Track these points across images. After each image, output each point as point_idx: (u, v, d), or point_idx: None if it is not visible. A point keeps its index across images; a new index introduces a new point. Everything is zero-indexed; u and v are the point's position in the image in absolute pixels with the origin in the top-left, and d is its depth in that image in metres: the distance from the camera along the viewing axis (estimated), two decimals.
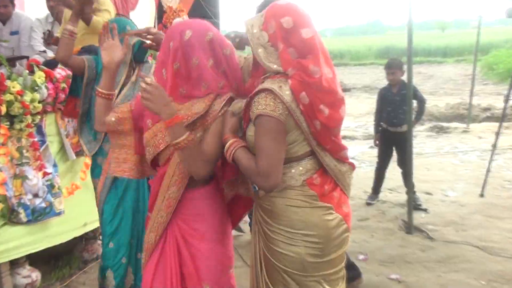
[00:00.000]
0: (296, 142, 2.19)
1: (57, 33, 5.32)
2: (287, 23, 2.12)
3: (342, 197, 2.34)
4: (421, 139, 10.32)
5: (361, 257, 4.68)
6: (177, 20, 5.74)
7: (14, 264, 4.17)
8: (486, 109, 13.07)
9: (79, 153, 4.39)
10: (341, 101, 2.22)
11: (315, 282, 2.27)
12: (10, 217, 3.91)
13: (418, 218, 5.65)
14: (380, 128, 6.26)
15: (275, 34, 2.15)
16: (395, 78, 6.06)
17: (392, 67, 6.10)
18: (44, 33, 5.31)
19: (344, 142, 2.35)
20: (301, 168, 2.22)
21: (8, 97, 3.76)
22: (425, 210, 5.99)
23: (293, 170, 2.23)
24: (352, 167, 2.39)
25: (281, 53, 2.14)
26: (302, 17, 2.17)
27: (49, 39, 5.16)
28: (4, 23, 5.47)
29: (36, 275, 4.26)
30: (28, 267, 4.29)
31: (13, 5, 5.54)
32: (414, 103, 5.88)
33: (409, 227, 5.33)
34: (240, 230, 5.28)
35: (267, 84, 2.12)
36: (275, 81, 2.13)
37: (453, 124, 11.85)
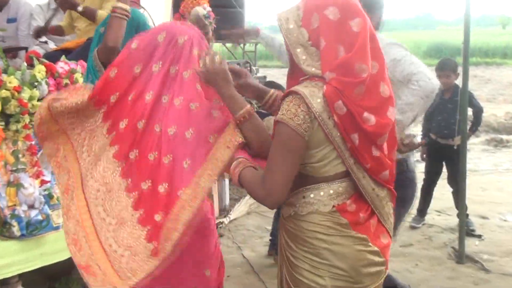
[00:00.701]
0: (326, 160, 2.14)
1: (61, 21, 5.39)
2: (334, 15, 2.06)
3: (379, 227, 2.29)
4: (476, 154, 10.26)
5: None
6: (197, 9, 5.76)
7: (5, 284, 4.22)
8: None
9: None
10: (388, 102, 2.17)
11: None
12: (2, 230, 3.96)
13: (471, 245, 5.61)
14: (428, 140, 6.18)
15: (318, 29, 2.08)
16: (448, 82, 5.99)
17: (445, 69, 6.04)
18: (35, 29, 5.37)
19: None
20: (331, 192, 2.17)
21: (3, 93, 3.81)
22: (479, 236, 5.94)
23: (322, 193, 2.18)
24: (392, 193, 2.33)
25: (323, 51, 2.08)
26: (349, 6, 2.10)
27: (45, 30, 5.19)
28: (0, 10, 5.55)
29: None
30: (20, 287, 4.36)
31: None
32: (469, 111, 5.82)
33: (460, 256, 5.29)
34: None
35: (298, 87, 2.10)
36: (309, 84, 2.09)
37: None
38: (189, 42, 2.39)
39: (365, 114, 2.07)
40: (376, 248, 2.22)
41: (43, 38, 5.48)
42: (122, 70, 2.42)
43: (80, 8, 4.78)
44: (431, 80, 3.33)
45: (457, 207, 5.67)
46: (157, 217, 2.20)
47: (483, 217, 6.59)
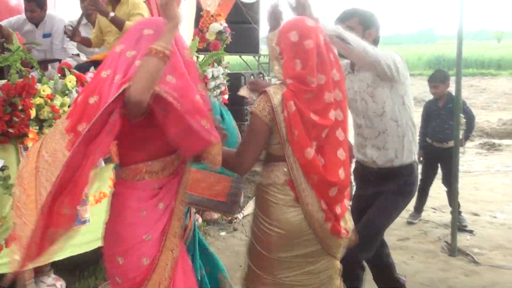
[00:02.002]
0: (280, 144, 2.51)
1: (90, 35, 5.42)
2: (294, 37, 2.49)
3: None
4: (470, 156, 10.13)
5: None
6: (214, 25, 5.77)
7: (39, 272, 4.24)
8: None
9: (107, 160, 4.44)
10: (330, 106, 2.51)
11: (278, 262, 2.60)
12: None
13: (463, 240, 5.56)
14: (424, 144, 6.12)
15: (284, 47, 2.53)
16: (437, 92, 6.01)
17: (433, 80, 6.05)
18: (67, 28, 5.36)
19: None
20: (285, 169, 2.52)
21: (38, 100, 3.82)
22: (471, 232, 5.87)
23: (278, 169, 2.55)
24: (338, 235, 2.59)
25: (283, 64, 2.53)
26: (306, 30, 2.51)
27: (74, 35, 5.20)
28: (37, 26, 5.60)
29: (60, 284, 4.34)
30: (52, 275, 4.37)
31: (44, 8, 5.63)
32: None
33: (453, 250, 5.24)
34: None
35: (269, 87, 2.52)
36: (277, 86, 2.53)
37: (506, 141, 11.66)
38: (155, 35, 2.25)
39: (311, 115, 2.45)
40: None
41: (75, 51, 5.51)
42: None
43: (111, 14, 4.82)
44: (384, 59, 3.14)
45: (450, 205, 5.60)
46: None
47: (475, 214, 6.52)
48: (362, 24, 3.36)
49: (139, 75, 2.10)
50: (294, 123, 2.42)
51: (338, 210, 2.56)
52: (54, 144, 2.26)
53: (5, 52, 4.06)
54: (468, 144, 10.76)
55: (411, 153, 3.45)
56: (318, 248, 2.60)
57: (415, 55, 30.71)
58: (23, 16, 5.73)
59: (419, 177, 5.40)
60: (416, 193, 6.15)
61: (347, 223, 2.67)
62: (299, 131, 2.43)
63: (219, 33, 5.76)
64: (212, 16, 5.72)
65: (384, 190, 3.48)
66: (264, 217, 2.60)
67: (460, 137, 5.35)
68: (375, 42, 3.38)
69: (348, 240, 2.70)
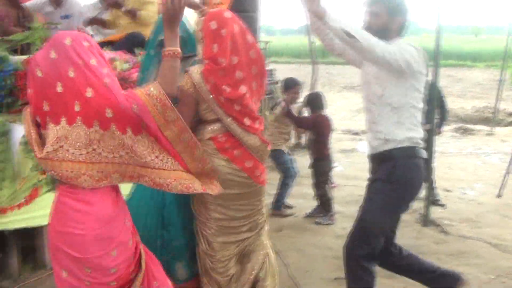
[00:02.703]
0: (206, 110, 2.88)
1: (106, 17, 5.59)
2: (213, 25, 2.84)
3: (245, 155, 2.96)
4: (446, 139, 10.33)
5: None
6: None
7: None
8: None
9: None
10: (241, 82, 2.87)
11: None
12: (54, 185, 4.14)
13: (436, 212, 5.74)
14: None
15: (205, 34, 2.87)
16: None
17: None
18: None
19: None
20: (209, 128, 2.92)
21: None
22: (442, 205, 6.07)
23: (204, 129, 2.93)
24: (264, 143, 3.02)
25: (203, 47, 2.88)
26: (223, 20, 2.88)
27: (94, 20, 5.34)
28: (56, 8, 5.71)
29: None
30: None
31: None
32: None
33: (425, 220, 5.42)
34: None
35: (192, 67, 2.88)
36: (197, 66, 2.88)
37: (478, 127, 11.92)
38: (94, 44, 2.36)
39: (224, 86, 2.82)
40: (236, 167, 2.94)
41: (90, 32, 5.63)
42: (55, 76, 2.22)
43: (123, 9, 4.98)
44: (391, 55, 2.95)
45: (425, 181, 5.76)
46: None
47: (447, 190, 6.73)
48: (388, 10, 3.11)
49: (168, 74, 2.45)
50: (218, 92, 2.84)
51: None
52: None
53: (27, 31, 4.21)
54: (444, 128, 10.99)
55: (406, 138, 3.10)
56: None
57: None
58: None
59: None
60: None
61: None
62: (224, 96, 2.85)
63: None
64: (214, 4, 5.86)
65: (376, 178, 3.24)
66: None
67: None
68: (400, 29, 3.18)
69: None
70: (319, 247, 4.84)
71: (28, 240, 4.29)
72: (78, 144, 2.19)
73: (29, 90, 2.25)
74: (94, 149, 2.22)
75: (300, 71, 12.76)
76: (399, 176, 3.09)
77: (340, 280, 4.01)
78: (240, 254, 3.13)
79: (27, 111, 2.30)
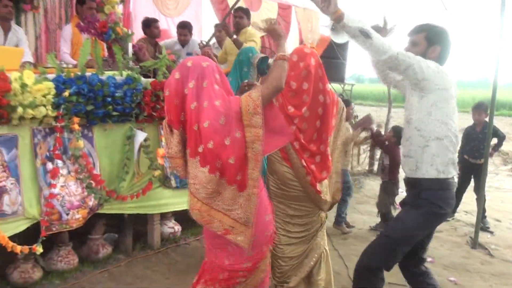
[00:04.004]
0: None
1: (218, 53, 6.09)
2: (294, 58, 2.99)
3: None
4: (502, 177, 10.03)
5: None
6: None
7: (163, 217, 4.83)
8: None
9: None
10: (304, 104, 2.97)
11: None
12: (164, 182, 4.57)
13: (484, 237, 5.70)
14: (462, 159, 6.26)
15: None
16: (479, 118, 6.19)
17: (478, 109, 6.22)
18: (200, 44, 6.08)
19: None
20: None
21: None
22: (491, 232, 6.01)
23: None
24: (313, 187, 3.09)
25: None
26: (303, 55, 3.02)
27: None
28: (183, 46, 6.33)
29: (178, 228, 4.91)
30: (173, 221, 4.95)
31: (191, 34, 6.48)
32: (495, 141, 5.99)
33: (474, 243, 5.39)
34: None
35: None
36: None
37: None
38: (212, 65, 2.46)
39: (289, 106, 2.96)
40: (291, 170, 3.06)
41: None
42: (174, 92, 2.40)
43: (234, 37, 5.46)
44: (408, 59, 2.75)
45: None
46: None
47: (498, 220, 6.61)
48: (428, 39, 2.91)
49: (276, 72, 2.48)
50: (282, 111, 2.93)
51: (313, 167, 3.06)
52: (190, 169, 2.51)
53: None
54: (502, 167, 10.73)
55: (435, 168, 2.87)
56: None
57: (470, 96, 29.87)
58: (174, 39, 6.58)
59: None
60: None
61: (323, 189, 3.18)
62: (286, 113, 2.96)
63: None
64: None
65: (405, 202, 3.07)
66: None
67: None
68: (439, 59, 2.91)
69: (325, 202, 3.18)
70: None
71: (140, 225, 4.74)
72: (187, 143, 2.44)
73: (165, 106, 2.49)
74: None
75: (379, 112, 12.96)
76: (424, 205, 2.89)
77: (392, 286, 4.17)
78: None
79: (165, 121, 2.51)
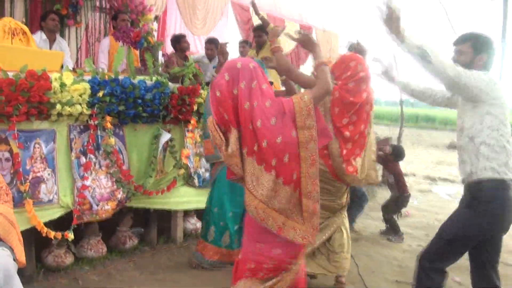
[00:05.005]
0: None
1: None
2: (352, 64, 3.47)
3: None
4: None
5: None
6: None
7: (186, 214, 4.88)
8: None
9: None
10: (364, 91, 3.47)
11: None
12: (188, 181, 4.64)
13: None
14: None
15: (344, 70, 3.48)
16: None
17: None
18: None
19: None
20: None
21: (199, 100, 4.51)
22: None
23: None
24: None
25: (339, 79, 3.49)
26: (363, 63, 3.48)
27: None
28: (210, 60, 6.41)
29: (199, 225, 4.91)
30: (195, 218, 4.99)
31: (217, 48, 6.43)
32: None
33: None
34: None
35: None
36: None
37: None
38: (258, 66, 2.47)
39: (344, 120, 3.41)
40: (324, 166, 3.42)
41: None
42: (226, 93, 2.40)
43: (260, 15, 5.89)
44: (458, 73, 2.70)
45: None
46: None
47: None
48: (474, 48, 2.86)
49: (323, 76, 2.52)
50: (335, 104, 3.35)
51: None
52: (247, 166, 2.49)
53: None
54: None
55: (490, 169, 2.74)
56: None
57: None
58: (202, 53, 6.69)
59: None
60: None
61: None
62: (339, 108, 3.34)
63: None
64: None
65: (462, 204, 2.96)
66: None
67: None
68: (485, 66, 2.86)
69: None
70: (386, 256, 4.93)
71: (164, 221, 4.80)
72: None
73: (212, 107, 2.45)
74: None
75: (393, 130, 12.87)
76: (481, 206, 2.77)
77: (400, 284, 4.13)
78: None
79: (210, 121, 2.48)
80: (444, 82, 2.73)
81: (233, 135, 2.38)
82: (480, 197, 2.77)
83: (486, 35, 2.91)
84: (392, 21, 2.63)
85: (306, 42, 2.73)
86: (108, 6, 6.12)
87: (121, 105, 3.93)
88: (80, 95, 3.66)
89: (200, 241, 4.18)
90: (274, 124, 2.37)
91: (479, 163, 2.76)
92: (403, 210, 6.03)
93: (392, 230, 5.62)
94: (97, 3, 6.12)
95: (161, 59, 4.82)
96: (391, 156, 5.64)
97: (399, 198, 5.72)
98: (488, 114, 2.76)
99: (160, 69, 4.42)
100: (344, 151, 3.41)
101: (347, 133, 3.41)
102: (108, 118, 3.87)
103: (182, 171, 4.45)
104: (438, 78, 2.73)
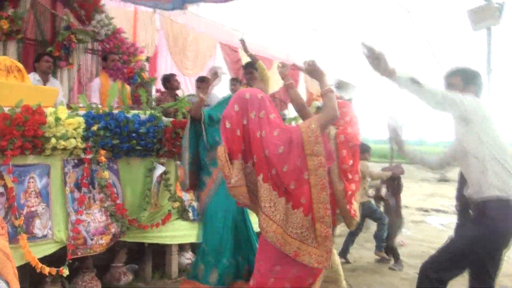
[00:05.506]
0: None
1: None
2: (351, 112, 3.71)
3: None
4: None
5: None
6: (315, 102, 6.48)
7: (181, 248, 4.81)
8: None
9: None
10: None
11: None
12: (182, 214, 4.59)
13: None
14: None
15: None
16: None
17: None
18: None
19: None
20: None
21: None
22: None
23: None
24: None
25: (344, 126, 3.64)
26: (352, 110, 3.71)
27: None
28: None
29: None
30: (190, 252, 4.92)
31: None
32: None
33: None
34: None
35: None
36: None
37: None
38: (265, 97, 2.56)
39: (350, 161, 3.52)
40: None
41: None
42: (236, 124, 2.48)
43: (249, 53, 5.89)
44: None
45: None
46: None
47: None
48: (464, 81, 3.04)
49: (330, 103, 2.58)
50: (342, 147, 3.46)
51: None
52: (264, 194, 2.51)
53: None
54: None
55: (495, 187, 2.82)
56: None
57: None
58: (193, 93, 6.58)
59: None
60: None
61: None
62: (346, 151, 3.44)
63: (318, 108, 6.42)
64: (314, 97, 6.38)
65: (469, 220, 3.05)
66: None
67: None
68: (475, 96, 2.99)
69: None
70: (385, 284, 4.87)
71: (159, 257, 4.72)
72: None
73: (223, 137, 2.53)
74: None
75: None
76: (483, 222, 2.84)
77: None
78: None
79: (221, 150, 2.50)
80: (435, 100, 2.83)
81: (236, 167, 2.43)
82: (487, 215, 2.82)
83: (474, 68, 3.10)
84: (380, 62, 2.73)
85: (313, 71, 2.78)
86: (100, 48, 6.22)
87: (115, 139, 3.94)
88: (75, 129, 3.67)
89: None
90: (281, 153, 2.43)
91: (486, 181, 2.83)
92: (399, 240, 6.01)
93: (394, 258, 5.57)
94: (89, 46, 6.21)
95: (154, 94, 4.87)
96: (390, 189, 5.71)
97: (396, 222, 5.71)
98: (482, 132, 2.85)
99: (153, 103, 4.45)
100: (349, 192, 3.50)
101: (350, 175, 3.52)
102: (102, 152, 3.87)
103: (177, 204, 4.41)
104: (430, 101, 2.83)
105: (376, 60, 2.74)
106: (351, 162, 3.51)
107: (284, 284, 2.52)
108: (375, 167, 12.86)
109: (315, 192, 2.44)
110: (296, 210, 2.44)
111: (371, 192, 6.38)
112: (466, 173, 3.00)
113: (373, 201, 6.22)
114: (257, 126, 2.45)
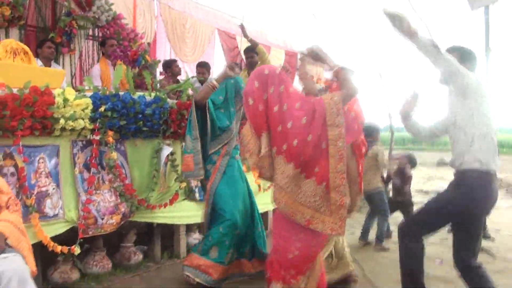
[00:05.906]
0: None
1: None
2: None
3: None
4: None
5: (438, 261, 4.83)
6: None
7: (189, 228, 4.86)
8: None
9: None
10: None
11: None
12: (189, 195, 4.63)
13: (486, 244, 5.54)
14: None
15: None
16: None
17: None
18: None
19: None
20: None
21: None
22: (492, 238, 5.99)
23: None
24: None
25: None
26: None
27: None
28: (202, 84, 6.39)
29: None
30: (197, 232, 4.97)
31: (209, 72, 6.48)
32: None
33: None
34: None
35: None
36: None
37: None
38: (283, 71, 2.65)
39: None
40: None
41: None
42: (258, 99, 2.60)
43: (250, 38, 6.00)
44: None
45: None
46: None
47: (497, 230, 6.54)
48: (461, 57, 3.08)
49: (348, 79, 2.66)
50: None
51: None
52: (278, 165, 2.63)
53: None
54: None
55: (478, 161, 2.93)
56: None
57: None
58: (194, 78, 6.60)
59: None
60: None
61: None
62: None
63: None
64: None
65: (448, 186, 3.15)
66: None
67: None
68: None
69: None
70: (392, 259, 4.91)
71: (167, 238, 4.76)
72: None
73: (247, 114, 2.64)
74: None
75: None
76: (463, 187, 2.99)
77: None
78: None
79: (247, 128, 2.63)
80: (447, 70, 2.92)
81: (265, 139, 2.53)
82: (465, 183, 2.98)
83: (471, 49, 3.22)
84: (402, 22, 2.74)
85: (317, 55, 2.81)
86: (100, 34, 6.21)
87: (122, 119, 3.95)
88: (83, 110, 3.68)
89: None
90: (305, 123, 2.50)
91: (470, 153, 2.96)
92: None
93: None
94: (90, 32, 6.20)
95: (158, 77, 4.88)
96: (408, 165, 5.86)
97: (405, 204, 5.87)
98: (476, 110, 2.97)
99: (158, 85, 4.46)
100: (360, 167, 3.40)
101: (363, 149, 3.50)
102: (110, 133, 3.89)
103: (184, 184, 4.45)
104: (444, 68, 2.93)
105: (399, 20, 2.74)
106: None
107: (293, 250, 2.62)
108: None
109: (332, 162, 2.49)
110: (309, 179, 2.50)
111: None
112: (453, 144, 3.11)
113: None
114: (277, 100, 2.51)
